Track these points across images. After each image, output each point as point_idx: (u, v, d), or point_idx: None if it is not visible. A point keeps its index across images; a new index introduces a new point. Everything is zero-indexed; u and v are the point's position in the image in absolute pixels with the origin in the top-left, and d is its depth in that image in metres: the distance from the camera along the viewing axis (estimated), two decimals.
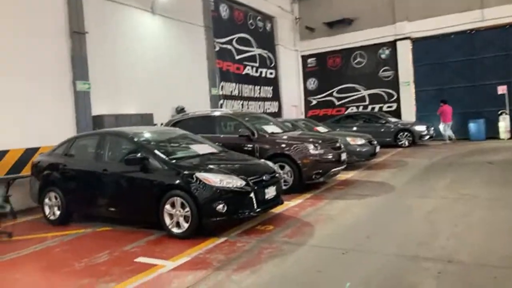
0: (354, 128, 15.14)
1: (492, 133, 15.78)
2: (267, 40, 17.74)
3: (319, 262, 4.03)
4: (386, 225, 5.17)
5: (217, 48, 14.24)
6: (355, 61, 19.25)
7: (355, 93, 19.38)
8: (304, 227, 5.26)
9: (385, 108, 18.52)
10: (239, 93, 15.50)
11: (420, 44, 17.58)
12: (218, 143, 8.04)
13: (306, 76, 20.57)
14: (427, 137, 15.03)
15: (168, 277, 3.84)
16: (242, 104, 15.63)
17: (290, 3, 19.63)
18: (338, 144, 8.27)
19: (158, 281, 3.80)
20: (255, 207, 5.16)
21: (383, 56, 18.55)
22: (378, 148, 10.92)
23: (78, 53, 9.12)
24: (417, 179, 8.45)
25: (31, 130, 8.03)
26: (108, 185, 5.77)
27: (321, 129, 11.57)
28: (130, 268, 4.15)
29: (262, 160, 6.23)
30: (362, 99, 19.23)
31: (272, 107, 17.85)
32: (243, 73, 15.86)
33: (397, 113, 17.76)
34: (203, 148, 6.11)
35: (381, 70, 18.65)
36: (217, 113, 8.84)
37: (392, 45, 18.10)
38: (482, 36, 16.36)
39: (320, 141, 7.82)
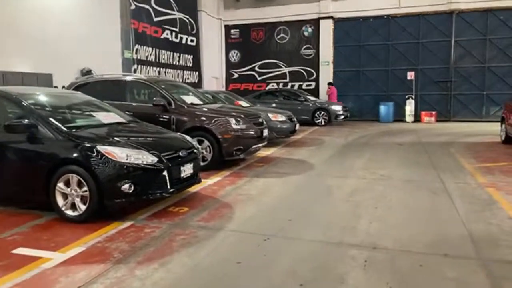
0: (274, 105, 14.95)
1: (399, 115, 16.87)
2: (190, 5, 16.58)
3: (238, 251, 3.60)
4: (308, 207, 4.93)
5: (133, 7, 12.85)
6: (278, 37, 19.02)
7: (276, 69, 19.25)
8: (222, 209, 4.78)
9: (304, 87, 18.71)
10: (156, 58, 14.30)
11: (342, 25, 17.90)
12: (129, 112, 7.21)
13: (229, 47, 19.86)
14: (342, 117, 15.48)
15: (53, 274, 3.09)
16: (159, 71, 14.48)
17: None
18: (260, 120, 7.88)
19: (38, 280, 3.03)
20: (169, 187, 4.53)
21: (305, 33, 18.56)
22: (297, 126, 10.83)
23: None
24: (335, 158, 8.47)
25: None
26: None
27: (243, 103, 11.12)
28: (4, 263, 3.30)
29: (179, 134, 5.56)
30: (283, 75, 19.19)
31: (192, 77, 16.92)
32: (162, 37, 14.64)
33: (315, 92, 18.05)
34: (109, 117, 5.23)
35: (303, 48, 18.69)
36: (128, 78, 7.82)
37: (316, 23, 18.18)
38: (397, 22, 17.15)
39: (242, 116, 7.35)
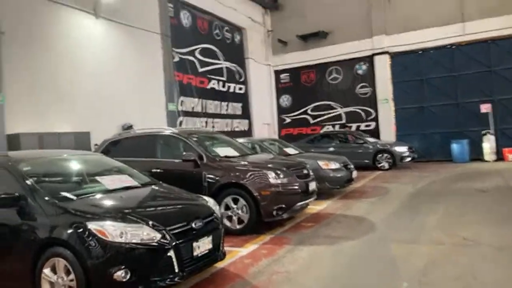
0: (331, 149, 13.79)
1: (476, 154, 14.68)
2: (236, 53, 16.37)
3: None
4: None
5: (177, 59, 12.72)
6: (331, 77, 18.06)
7: (331, 111, 18.13)
8: None
9: (363, 127, 17.29)
10: (202, 109, 13.93)
11: (399, 59, 16.54)
12: (159, 170, 6.50)
13: (279, 92, 19.24)
14: (409, 159, 13.76)
15: None
16: (206, 122, 14.05)
17: (261, 14, 18.41)
18: (305, 171, 6.75)
19: None
20: (177, 270, 3.52)
21: (359, 71, 17.43)
22: (355, 173, 9.48)
23: None
24: (402, 213, 6.99)
25: None
26: None
27: (291, 150, 10.07)
28: None
29: (198, 196, 4.59)
30: (338, 117, 17.98)
31: (242, 125, 16.35)
32: (208, 87, 14.35)
33: (375, 133, 16.55)
34: (118, 181, 4.44)
35: (358, 87, 17.50)
36: (158, 132, 7.19)
37: (370, 60, 17.04)
38: (463, 51, 15.44)
39: (283, 168, 6.29)
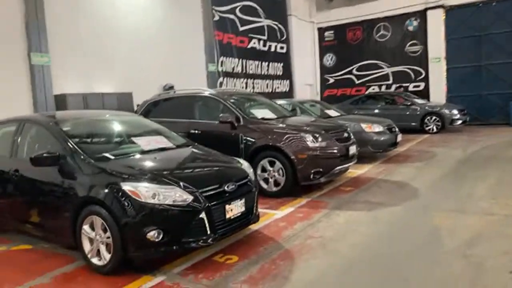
0: (376, 111, 13.23)
1: None
2: (278, 10, 15.72)
3: None
4: (401, 267, 3.45)
5: (217, 18, 12.43)
6: (378, 34, 17.02)
7: (377, 71, 17.24)
8: (280, 262, 3.60)
9: (411, 88, 16.36)
10: (242, 69, 13.71)
11: (455, 13, 15.18)
12: (196, 131, 6.52)
13: (323, 51, 18.49)
14: (460, 122, 12.92)
15: None
16: (246, 83, 13.86)
17: None
18: (346, 134, 6.48)
19: None
20: (209, 232, 3.52)
21: (410, 28, 16.25)
22: (400, 136, 9.03)
23: (33, 18, 7.55)
24: (448, 180, 6.60)
25: None
26: (20, 192, 4.27)
27: (333, 112, 9.72)
28: None
29: (232, 158, 4.52)
30: (385, 77, 17.08)
31: (282, 86, 15.99)
32: (248, 46, 14.01)
33: (425, 94, 15.61)
34: (154, 142, 4.45)
35: (407, 44, 16.39)
36: (196, 93, 7.12)
37: (422, 15, 15.78)
38: None
39: (321, 131, 6.06)
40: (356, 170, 7.53)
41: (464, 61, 15.14)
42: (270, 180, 5.93)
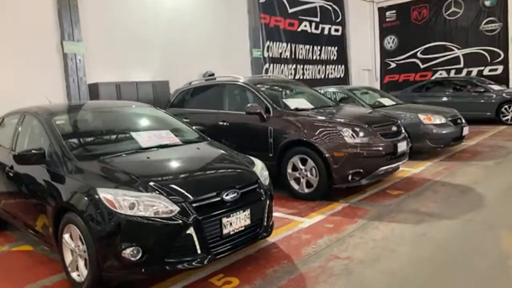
0: (444, 99, 11.73)
1: None
2: None
3: None
4: None
5: (263, 0, 11.62)
6: (448, 12, 15.12)
7: (446, 53, 15.39)
8: None
9: (486, 72, 14.36)
10: (291, 54, 12.82)
11: None
12: (225, 123, 5.95)
13: (383, 33, 16.93)
14: None
15: None
16: (296, 69, 12.96)
17: None
18: (395, 128, 5.46)
19: None
20: (199, 251, 2.89)
21: (487, 2, 14.18)
22: (466, 129, 7.70)
23: (66, 5, 7.37)
24: None
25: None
26: (15, 189, 3.94)
27: (387, 101, 8.58)
28: None
29: (244, 158, 3.79)
30: (456, 60, 15.21)
31: (336, 71, 14.85)
32: (298, 29, 13.06)
33: (503, 79, 13.59)
34: (155, 137, 3.88)
35: (483, 22, 14.37)
36: (226, 81, 6.48)
37: None
38: None
39: (364, 124, 5.12)
40: (410, 169, 6.47)
41: None
42: (302, 180, 5.16)
